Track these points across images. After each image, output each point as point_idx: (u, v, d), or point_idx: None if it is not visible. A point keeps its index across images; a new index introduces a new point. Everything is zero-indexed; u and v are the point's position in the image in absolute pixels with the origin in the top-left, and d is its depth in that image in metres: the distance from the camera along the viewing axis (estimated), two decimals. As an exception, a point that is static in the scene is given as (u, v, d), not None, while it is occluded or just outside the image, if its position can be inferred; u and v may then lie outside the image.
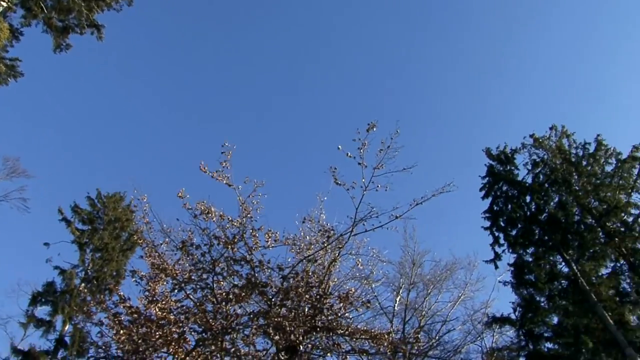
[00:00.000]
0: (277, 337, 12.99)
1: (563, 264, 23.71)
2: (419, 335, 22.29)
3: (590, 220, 24.02)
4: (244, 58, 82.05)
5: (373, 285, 24.45)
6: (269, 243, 14.08)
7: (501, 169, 27.59)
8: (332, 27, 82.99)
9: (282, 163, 73.43)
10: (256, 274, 13.35)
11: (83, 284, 26.32)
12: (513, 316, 23.64)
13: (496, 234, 26.02)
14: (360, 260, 16.70)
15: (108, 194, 30.68)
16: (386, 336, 14.23)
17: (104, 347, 13.79)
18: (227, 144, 13.79)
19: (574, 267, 22.79)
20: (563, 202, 24.93)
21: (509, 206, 26.12)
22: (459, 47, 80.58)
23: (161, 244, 14.65)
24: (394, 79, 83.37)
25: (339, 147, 13.16)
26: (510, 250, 25.10)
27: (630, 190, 23.91)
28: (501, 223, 26.07)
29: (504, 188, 26.90)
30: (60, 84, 65.20)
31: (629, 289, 22.10)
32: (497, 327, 26.25)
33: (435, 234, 54.26)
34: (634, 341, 20.50)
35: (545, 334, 22.92)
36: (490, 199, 27.05)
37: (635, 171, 24.12)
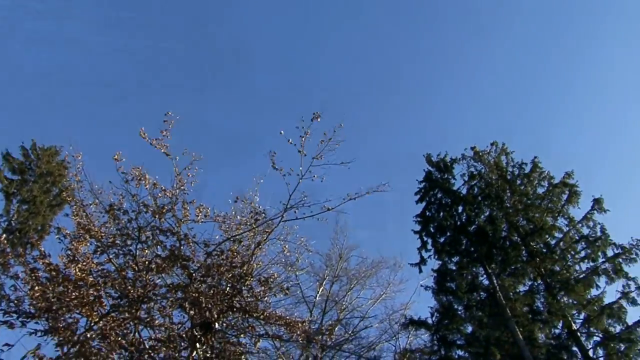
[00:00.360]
0: (192, 312, 13.01)
1: (485, 276, 24.23)
2: (335, 328, 22.68)
3: (516, 237, 24.66)
4: (196, 29, 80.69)
5: (297, 273, 24.71)
6: (199, 218, 14.15)
7: (439, 176, 28.03)
8: (291, 15, 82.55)
9: (223, 140, 72.64)
10: (181, 247, 13.34)
11: (4, 235, 25.51)
12: (430, 321, 24.01)
13: (425, 239, 26.37)
14: (287, 246, 16.83)
15: (43, 147, 29.84)
16: (300, 325, 14.47)
17: (15, 302, 13.38)
18: (170, 114, 13.78)
19: (495, 281, 23.38)
20: (493, 217, 25.53)
21: (441, 214, 26.54)
22: (413, 47, 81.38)
23: (90, 205, 14.46)
24: (345, 74, 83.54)
25: (281, 132, 13.31)
26: (436, 257, 25.50)
27: (557, 214, 24.67)
28: (431, 229, 26.46)
29: (439, 195, 27.34)
30: (8, 29, 62.62)
31: (542, 308, 22.80)
32: (413, 329, 26.77)
33: (365, 230, 55.12)
34: (539, 357, 21.30)
35: (458, 342, 23.39)
36: (424, 204, 27.40)
37: (564, 197, 24.88)
